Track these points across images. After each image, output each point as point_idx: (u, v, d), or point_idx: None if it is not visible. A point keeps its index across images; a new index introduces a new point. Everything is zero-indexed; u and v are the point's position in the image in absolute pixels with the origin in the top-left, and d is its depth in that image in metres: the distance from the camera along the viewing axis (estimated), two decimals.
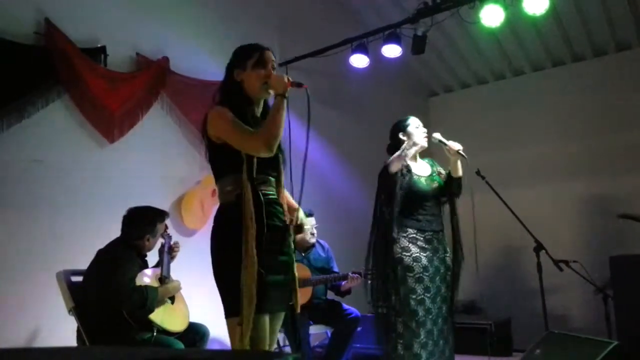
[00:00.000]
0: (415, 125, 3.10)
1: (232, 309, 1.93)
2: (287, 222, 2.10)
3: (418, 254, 2.87)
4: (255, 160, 2.00)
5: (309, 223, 3.86)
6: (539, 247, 3.64)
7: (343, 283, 3.79)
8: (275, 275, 2.01)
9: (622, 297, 3.17)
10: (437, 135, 3.08)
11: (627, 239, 4.90)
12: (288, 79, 2.03)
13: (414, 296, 2.80)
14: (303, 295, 3.66)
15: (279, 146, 2.10)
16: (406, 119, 3.14)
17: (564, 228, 5.54)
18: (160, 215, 3.09)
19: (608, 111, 5.70)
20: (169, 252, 3.09)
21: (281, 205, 2.11)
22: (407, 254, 2.85)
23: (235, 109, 2.04)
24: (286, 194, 2.21)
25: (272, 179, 2.12)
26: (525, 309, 5.02)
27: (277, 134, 1.96)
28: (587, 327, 4.49)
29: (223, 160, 2.05)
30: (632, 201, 5.19)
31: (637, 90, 5.57)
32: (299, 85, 2.04)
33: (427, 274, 2.86)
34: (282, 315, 2.15)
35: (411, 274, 2.82)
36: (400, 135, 3.08)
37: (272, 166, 2.11)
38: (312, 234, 3.86)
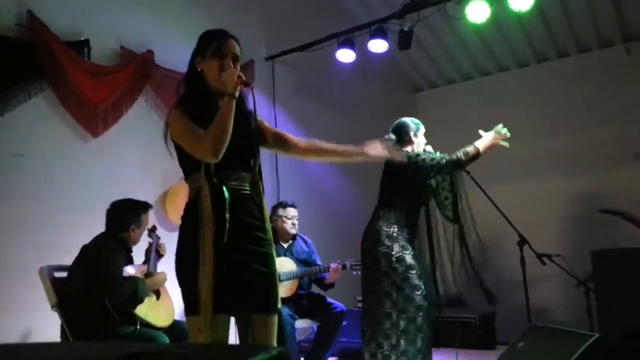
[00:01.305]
0: (423, 132, 3.17)
1: (189, 308, 1.87)
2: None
3: (414, 252, 2.95)
4: None
5: (291, 213, 3.88)
6: (522, 242, 3.68)
7: (327, 275, 3.83)
8: (239, 274, 1.89)
9: (603, 290, 3.22)
10: (428, 147, 3.17)
11: (608, 233, 4.97)
12: (239, 76, 1.88)
13: (418, 292, 2.85)
14: (289, 289, 3.68)
15: (254, 140, 2.03)
16: (419, 122, 3.18)
17: (547, 223, 5.59)
18: (144, 206, 3.09)
19: (591, 107, 5.77)
20: (156, 251, 3.09)
21: (256, 202, 2.00)
22: (407, 252, 2.90)
23: (197, 102, 1.96)
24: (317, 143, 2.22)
25: (246, 174, 2.00)
26: (509, 302, 5.08)
27: (222, 140, 1.83)
28: (569, 319, 4.56)
29: (187, 159, 1.97)
30: (614, 196, 5.27)
31: (620, 86, 5.64)
32: (246, 84, 1.91)
33: (423, 271, 2.95)
34: (272, 315, 1.99)
35: (413, 272, 2.87)
36: (412, 135, 3.12)
37: (245, 162, 2.01)
38: (294, 225, 3.88)
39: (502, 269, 5.57)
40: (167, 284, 3.14)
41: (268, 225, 2.02)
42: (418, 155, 3.00)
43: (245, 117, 2.00)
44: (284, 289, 3.64)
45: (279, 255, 3.68)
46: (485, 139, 2.99)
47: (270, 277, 1.97)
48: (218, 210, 1.87)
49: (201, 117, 1.91)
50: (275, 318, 1.99)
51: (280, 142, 2.16)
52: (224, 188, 1.91)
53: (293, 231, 3.90)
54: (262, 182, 2.05)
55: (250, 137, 2.02)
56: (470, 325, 4.87)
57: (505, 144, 3.03)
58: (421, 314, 2.82)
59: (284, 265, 3.70)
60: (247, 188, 1.99)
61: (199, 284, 1.81)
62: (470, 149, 2.95)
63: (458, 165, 2.95)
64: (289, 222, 3.87)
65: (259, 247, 1.96)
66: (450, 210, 3.12)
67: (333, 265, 3.76)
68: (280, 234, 3.87)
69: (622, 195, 5.26)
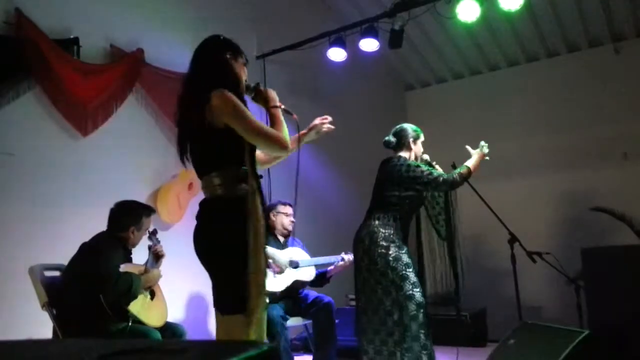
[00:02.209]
0: (421, 141, 3.28)
1: (240, 306, 1.87)
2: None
3: (409, 252, 3.03)
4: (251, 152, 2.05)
5: (290, 211, 3.93)
6: (512, 239, 3.71)
7: (329, 270, 3.90)
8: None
9: (593, 288, 3.24)
10: (426, 156, 3.30)
11: (599, 231, 5.02)
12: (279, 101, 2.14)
13: (417, 290, 2.90)
14: (310, 274, 3.80)
15: None
16: (420, 130, 3.29)
17: (537, 221, 5.63)
18: (146, 209, 3.11)
19: (580, 106, 5.81)
20: (154, 252, 3.10)
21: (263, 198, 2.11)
22: (402, 251, 2.97)
23: (239, 93, 2.07)
24: None
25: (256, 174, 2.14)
26: (499, 299, 5.11)
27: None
28: (560, 316, 4.58)
29: (226, 149, 1.99)
30: (604, 194, 5.32)
31: (608, 85, 5.69)
32: (288, 113, 2.13)
33: (415, 269, 3.02)
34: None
35: (410, 269, 2.94)
36: (411, 141, 3.21)
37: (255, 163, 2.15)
38: (292, 222, 3.93)
39: (493, 267, 5.61)
40: (162, 288, 3.13)
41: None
42: (418, 166, 3.08)
43: None
44: (306, 274, 3.78)
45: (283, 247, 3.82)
46: (473, 158, 3.21)
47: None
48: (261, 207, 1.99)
49: None
50: None
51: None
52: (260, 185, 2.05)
53: (290, 228, 3.95)
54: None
55: None
56: (461, 322, 4.89)
57: (487, 157, 3.27)
58: (422, 310, 2.87)
59: (298, 254, 3.84)
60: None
61: (250, 281, 1.85)
62: (463, 170, 3.13)
63: (453, 185, 3.11)
64: (288, 219, 3.91)
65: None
66: (442, 226, 3.26)
67: (348, 256, 3.79)
68: (278, 229, 3.90)
69: (612, 194, 5.31)
